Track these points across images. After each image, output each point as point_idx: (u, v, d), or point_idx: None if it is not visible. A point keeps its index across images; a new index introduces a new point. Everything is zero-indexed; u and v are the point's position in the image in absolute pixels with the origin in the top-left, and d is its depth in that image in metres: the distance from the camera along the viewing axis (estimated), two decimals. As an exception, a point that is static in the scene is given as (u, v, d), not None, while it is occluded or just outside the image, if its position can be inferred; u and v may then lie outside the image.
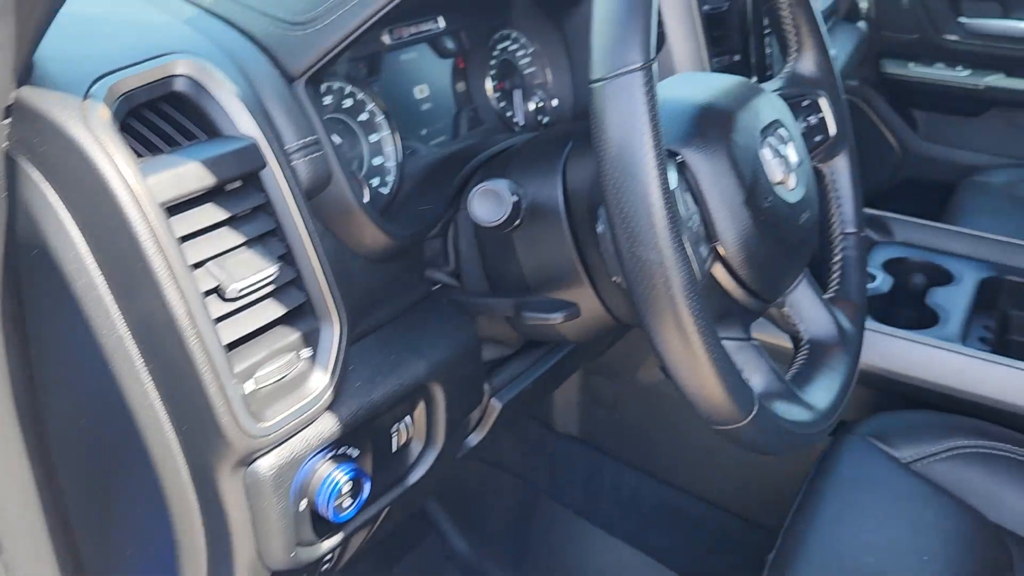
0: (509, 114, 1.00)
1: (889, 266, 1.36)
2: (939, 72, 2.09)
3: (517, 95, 1.00)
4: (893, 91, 2.19)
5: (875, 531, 0.93)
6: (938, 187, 2.07)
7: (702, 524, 1.33)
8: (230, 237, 0.60)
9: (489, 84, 0.98)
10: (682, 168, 0.67)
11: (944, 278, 1.33)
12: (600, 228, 0.67)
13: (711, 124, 0.68)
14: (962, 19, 2.04)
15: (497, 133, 0.98)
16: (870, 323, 1.19)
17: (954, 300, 1.27)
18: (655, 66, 0.56)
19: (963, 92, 2.07)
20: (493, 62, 0.99)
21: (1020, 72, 2.03)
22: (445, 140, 0.92)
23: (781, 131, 0.75)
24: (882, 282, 1.31)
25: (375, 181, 0.82)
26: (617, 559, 1.34)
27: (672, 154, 0.67)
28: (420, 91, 0.90)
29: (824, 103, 0.89)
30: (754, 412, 0.62)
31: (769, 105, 0.76)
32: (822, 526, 0.93)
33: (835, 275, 0.90)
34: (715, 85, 0.74)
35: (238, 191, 0.61)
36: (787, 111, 0.79)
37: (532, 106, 1.02)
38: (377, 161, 0.82)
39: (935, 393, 1.12)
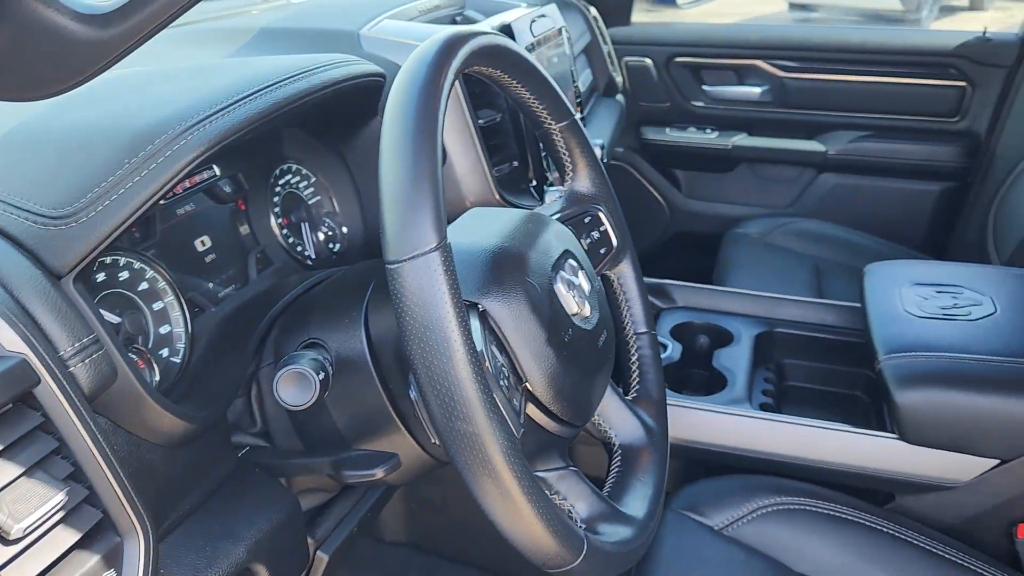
0: (300, 248, 0.98)
1: (675, 331, 1.46)
2: (691, 135, 2.29)
3: (305, 228, 0.99)
4: (655, 154, 2.37)
5: None
6: (704, 238, 2.26)
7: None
8: (5, 471, 0.54)
9: (274, 221, 0.96)
10: (484, 317, 0.68)
11: (726, 338, 1.45)
12: (413, 395, 0.67)
13: (507, 270, 0.70)
14: (705, 87, 2.25)
15: (289, 271, 0.95)
16: (669, 396, 1.26)
17: (736, 360, 1.38)
18: (448, 242, 0.57)
19: (714, 151, 2.28)
20: (276, 199, 0.96)
21: (758, 131, 2.27)
22: (236, 289, 0.88)
23: (571, 261, 0.79)
24: (673, 350, 1.40)
25: (164, 351, 0.77)
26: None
27: (473, 305, 0.68)
28: (202, 243, 0.86)
29: (603, 216, 0.94)
30: (584, 552, 0.64)
31: (557, 238, 0.79)
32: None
33: (634, 375, 0.95)
34: (505, 226, 0.76)
35: (9, 415, 0.55)
36: (573, 239, 0.83)
37: (322, 236, 1.00)
38: (164, 330, 0.77)
39: (735, 456, 1.20)
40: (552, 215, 0.87)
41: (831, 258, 1.97)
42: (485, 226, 0.77)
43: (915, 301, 1.29)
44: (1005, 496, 1.11)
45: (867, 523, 1.10)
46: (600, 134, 1.92)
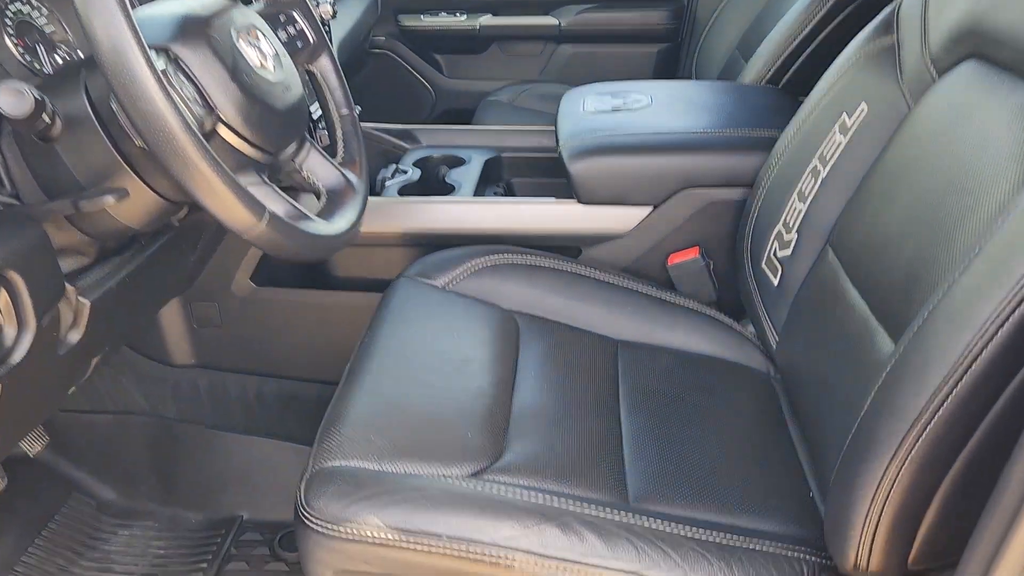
0: (39, 66, 1.13)
1: (418, 163, 1.70)
2: (444, 19, 2.53)
3: (40, 49, 1.13)
4: (414, 40, 2.59)
5: (424, 332, 1.22)
6: (468, 113, 2.52)
7: (319, 399, 1.57)
8: None
9: (9, 42, 1.10)
10: (177, 60, 0.88)
11: (459, 162, 1.70)
12: (114, 105, 0.86)
13: (190, 25, 0.91)
14: (450, -27, 2.49)
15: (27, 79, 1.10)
16: (406, 198, 1.51)
17: (466, 176, 1.64)
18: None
19: (466, 32, 2.53)
20: (8, 22, 1.10)
21: (503, 12, 2.54)
22: (-22, 92, 1.03)
23: (255, 31, 1.00)
24: (412, 174, 1.64)
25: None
26: (256, 453, 1.54)
27: (165, 49, 0.88)
28: (-60, 53, 1.00)
29: (298, 16, 1.15)
30: (266, 218, 0.86)
31: (242, 14, 1.00)
32: (383, 338, 1.20)
33: (340, 145, 1.18)
34: (197, 1, 0.96)
35: None
36: (259, 19, 1.03)
37: (59, 59, 1.16)
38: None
39: (459, 237, 1.45)
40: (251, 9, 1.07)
41: (567, 112, 2.28)
42: (181, 1, 0.96)
43: (593, 104, 1.59)
44: (659, 236, 1.44)
45: (559, 268, 1.39)
46: (351, 16, 2.12)
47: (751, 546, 0.94)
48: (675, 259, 1.43)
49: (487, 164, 1.71)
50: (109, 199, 0.93)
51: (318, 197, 1.09)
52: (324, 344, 1.54)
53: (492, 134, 1.79)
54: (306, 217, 0.97)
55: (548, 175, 1.74)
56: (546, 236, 1.45)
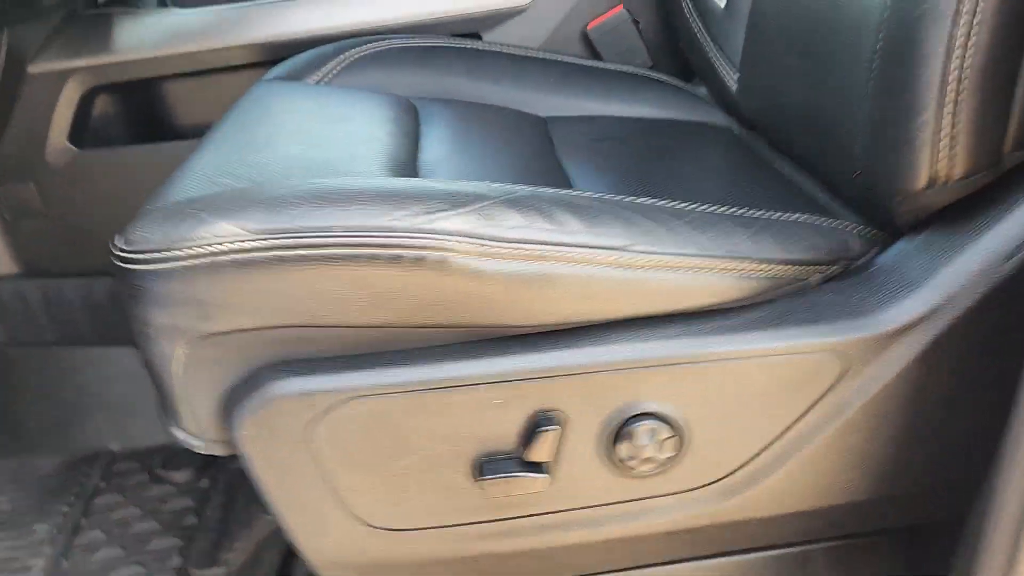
0: None
1: None
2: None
3: None
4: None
5: (293, 115, 0.91)
6: None
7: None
8: None
9: None
10: None
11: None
12: None
13: None
14: None
15: None
16: (248, 3, 1.21)
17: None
18: None
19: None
20: None
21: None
22: None
23: None
24: None
25: None
26: (118, 366, 1.19)
27: None
28: None
29: None
30: None
31: None
32: (232, 124, 0.88)
33: None
34: None
35: None
36: None
37: None
38: None
39: (322, 39, 1.14)
40: None
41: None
42: None
43: None
44: (571, 1, 1.17)
45: (459, 46, 1.11)
46: None
47: (781, 217, 0.68)
48: (596, 23, 1.17)
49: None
50: None
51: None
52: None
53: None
54: None
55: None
56: (433, 24, 1.17)
